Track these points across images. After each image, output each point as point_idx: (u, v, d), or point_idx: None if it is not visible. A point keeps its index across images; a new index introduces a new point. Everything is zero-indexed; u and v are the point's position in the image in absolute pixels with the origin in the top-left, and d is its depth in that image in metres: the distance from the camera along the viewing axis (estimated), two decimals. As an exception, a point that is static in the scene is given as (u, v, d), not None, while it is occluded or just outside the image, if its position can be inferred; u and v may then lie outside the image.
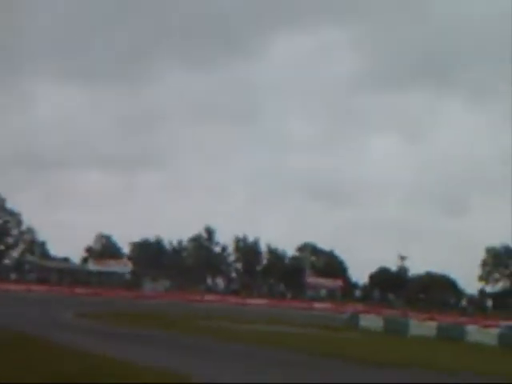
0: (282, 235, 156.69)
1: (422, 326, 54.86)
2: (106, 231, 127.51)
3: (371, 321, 58.27)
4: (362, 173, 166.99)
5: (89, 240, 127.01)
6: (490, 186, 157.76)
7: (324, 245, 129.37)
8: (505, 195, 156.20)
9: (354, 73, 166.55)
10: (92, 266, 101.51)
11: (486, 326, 56.85)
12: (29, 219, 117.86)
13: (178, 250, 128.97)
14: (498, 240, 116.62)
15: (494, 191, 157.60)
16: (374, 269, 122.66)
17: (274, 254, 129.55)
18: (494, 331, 51.75)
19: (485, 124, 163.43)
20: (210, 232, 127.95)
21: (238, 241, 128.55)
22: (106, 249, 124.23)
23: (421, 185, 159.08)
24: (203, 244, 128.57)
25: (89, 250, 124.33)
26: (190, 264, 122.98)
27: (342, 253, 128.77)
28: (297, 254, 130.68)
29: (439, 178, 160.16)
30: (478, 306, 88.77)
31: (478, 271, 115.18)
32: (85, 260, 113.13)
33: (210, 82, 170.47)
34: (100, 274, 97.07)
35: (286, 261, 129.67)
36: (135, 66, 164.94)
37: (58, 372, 17.75)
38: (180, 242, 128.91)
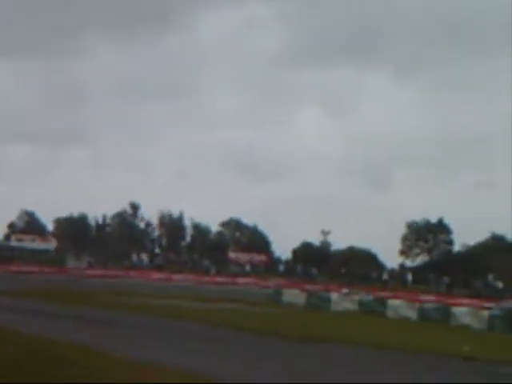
0: (206, 210, 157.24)
1: (344, 300, 55.66)
2: (30, 207, 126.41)
3: (294, 296, 58.94)
4: (288, 148, 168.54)
5: (12, 216, 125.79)
6: (413, 162, 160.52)
7: (248, 220, 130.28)
8: (428, 171, 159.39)
9: (280, 47, 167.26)
10: (15, 242, 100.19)
11: (408, 300, 57.84)
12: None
13: (102, 226, 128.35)
14: (420, 215, 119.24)
15: (418, 166, 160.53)
16: (297, 244, 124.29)
17: (198, 229, 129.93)
18: (415, 305, 52.81)
19: (410, 100, 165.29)
20: (134, 207, 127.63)
21: (162, 216, 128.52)
22: (29, 225, 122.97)
23: (346, 160, 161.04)
24: (127, 220, 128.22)
25: (11, 226, 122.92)
26: (114, 240, 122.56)
27: (265, 228, 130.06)
28: (221, 229, 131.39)
29: (364, 153, 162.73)
30: (398, 280, 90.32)
31: (399, 245, 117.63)
32: (7, 236, 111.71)
33: (136, 58, 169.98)
34: (23, 250, 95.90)
35: (211, 236, 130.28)
36: (61, 41, 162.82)
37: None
38: (104, 218, 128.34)
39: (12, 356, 17.60)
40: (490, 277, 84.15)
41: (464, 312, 48.66)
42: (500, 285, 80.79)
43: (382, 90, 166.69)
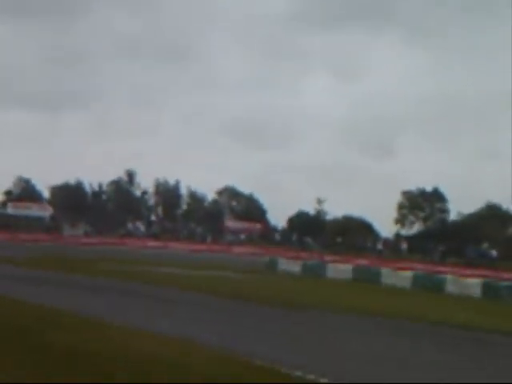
0: (203, 178, 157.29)
1: (339, 269, 56.04)
2: (26, 174, 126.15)
3: (290, 264, 59.38)
4: (290, 114, 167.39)
5: (8, 183, 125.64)
6: (415, 129, 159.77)
7: (245, 188, 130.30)
8: (429, 138, 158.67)
9: (287, 10, 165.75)
10: (11, 209, 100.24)
11: (400, 269, 58.26)
12: None
13: (98, 194, 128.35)
14: (418, 184, 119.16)
15: (420, 134, 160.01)
16: (293, 212, 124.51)
17: (194, 197, 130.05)
18: (408, 274, 53.17)
19: (417, 64, 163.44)
20: (130, 175, 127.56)
21: (158, 184, 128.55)
22: (25, 192, 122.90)
23: (347, 127, 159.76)
24: (123, 187, 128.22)
25: (8, 193, 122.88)
26: (110, 208, 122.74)
27: (261, 196, 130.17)
28: (217, 197, 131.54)
29: (366, 120, 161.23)
30: (393, 249, 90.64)
31: (394, 214, 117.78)
32: (3, 204, 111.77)
33: (137, 21, 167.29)
34: (19, 218, 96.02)
35: (206, 204, 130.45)
36: (60, 1, 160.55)
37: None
38: (100, 186, 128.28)
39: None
40: (485, 246, 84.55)
41: (459, 281, 49.26)
42: (494, 253, 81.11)
43: (391, 53, 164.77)
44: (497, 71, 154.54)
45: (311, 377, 13.70)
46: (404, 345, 21.50)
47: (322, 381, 13.42)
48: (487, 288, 46.23)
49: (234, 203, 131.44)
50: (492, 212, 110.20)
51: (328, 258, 72.14)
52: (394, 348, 20.36)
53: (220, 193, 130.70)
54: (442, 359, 18.93)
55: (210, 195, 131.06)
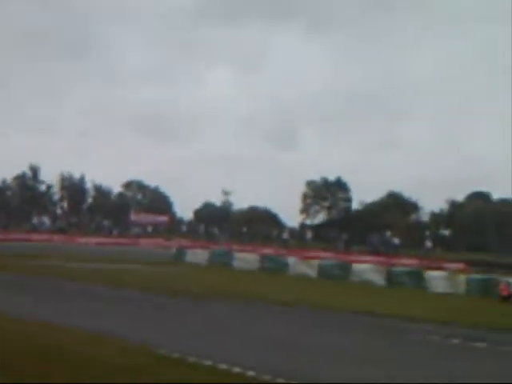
0: (108, 172, 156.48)
1: (246, 259, 56.74)
2: None
3: (197, 255, 59.87)
4: (195, 107, 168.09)
5: None
6: (318, 120, 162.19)
7: (151, 181, 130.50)
8: (332, 129, 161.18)
9: (191, 4, 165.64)
10: None
11: (306, 258, 59.23)
12: None
13: (2, 190, 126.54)
14: (322, 174, 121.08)
15: (323, 125, 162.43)
16: (199, 204, 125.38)
17: (99, 191, 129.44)
18: (314, 262, 54.10)
19: (318, 57, 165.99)
20: (34, 170, 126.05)
21: (63, 178, 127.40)
22: None
23: (252, 118, 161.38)
24: (28, 183, 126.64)
25: None
26: (15, 203, 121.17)
27: (167, 189, 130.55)
28: (123, 190, 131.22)
29: (271, 112, 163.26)
30: (298, 238, 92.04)
31: (299, 205, 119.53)
32: None
33: (42, 12, 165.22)
34: None
35: (112, 198, 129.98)
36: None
37: None
38: (4, 181, 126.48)
39: None
40: (388, 233, 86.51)
41: (364, 268, 50.38)
42: (396, 241, 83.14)
43: (292, 47, 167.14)
44: (395, 64, 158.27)
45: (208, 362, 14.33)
46: (302, 330, 22.39)
47: (221, 366, 14.04)
48: (389, 275, 47.58)
49: (140, 196, 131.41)
50: (393, 200, 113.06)
51: (235, 247, 72.80)
52: (293, 333, 21.22)
53: (126, 186, 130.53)
54: (339, 342, 19.96)
55: (116, 189, 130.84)
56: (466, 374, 15.50)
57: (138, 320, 21.68)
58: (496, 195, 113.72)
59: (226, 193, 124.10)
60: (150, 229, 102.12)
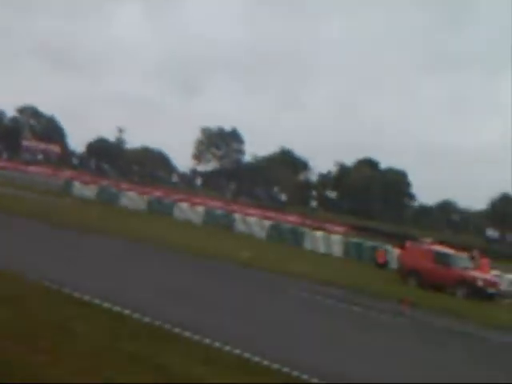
0: (3, 95, 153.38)
1: (134, 198, 56.97)
2: None
3: (85, 189, 59.76)
4: (104, 42, 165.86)
5: None
6: (226, 69, 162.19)
7: (47, 109, 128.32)
8: (238, 80, 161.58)
9: None
10: None
11: (193, 204, 59.73)
12: None
13: None
14: (219, 122, 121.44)
15: (229, 74, 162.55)
16: (92, 138, 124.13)
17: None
18: (201, 209, 54.75)
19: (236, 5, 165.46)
20: None
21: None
22: None
23: (159, 60, 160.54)
24: None
25: None
26: None
27: (63, 119, 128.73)
28: (17, 115, 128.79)
29: (180, 55, 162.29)
30: (188, 183, 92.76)
31: (192, 150, 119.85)
32: None
33: None
34: None
35: (5, 122, 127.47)
36: None
37: None
38: None
39: None
40: (275, 189, 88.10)
41: (247, 220, 51.38)
42: (283, 197, 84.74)
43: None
44: (307, 27, 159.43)
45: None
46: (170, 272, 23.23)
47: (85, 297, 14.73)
48: (271, 230, 48.72)
49: (33, 123, 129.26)
50: (285, 157, 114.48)
51: (124, 186, 72.85)
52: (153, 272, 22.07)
53: (20, 111, 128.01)
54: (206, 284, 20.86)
55: (10, 113, 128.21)
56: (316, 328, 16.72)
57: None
58: (384, 164, 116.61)
59: (120, 130, 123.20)
60: (40, 157, 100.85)
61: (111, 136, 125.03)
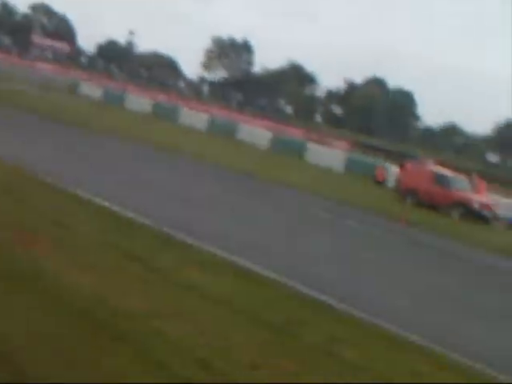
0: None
1: (139, 102, 56.98)
2: None
3: (92, 89, 59.82)
4: None
5: None
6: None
7: (59, 8, 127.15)
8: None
9: None
10: None
11: (199, 111, 59.52)
12: None
13: None
14: (230, 32, 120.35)
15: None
16: (104, 40, 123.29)
17: (5, 8, 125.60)
18: (205, 116, 54.75)
19: None
20: None
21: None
22: None
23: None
24: None
25: None
26: None
27: (75, 19, 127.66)
28: (29, 12, 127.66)
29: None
30: (195, 91, 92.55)
31: (202, 58, 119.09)
32: None
33: None
34: None
35: (17, 18, 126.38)
36: None
37: None
38: None
39: None
40: (282, 101, 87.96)
41: (251, 131, 51.55)
42: (289, 110, 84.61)
43: None
44: None
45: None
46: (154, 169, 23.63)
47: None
48: (276, 141, 48.93)
49: (45, 21, 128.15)
50: (294, 71, 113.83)
51: (130, 88, 72.72)
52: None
53: (33, 8, 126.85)
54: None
55: (23, 9, 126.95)
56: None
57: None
58: (392, 84, 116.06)
59: (131, 33, 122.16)
60: (49, 54, 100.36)
61: (122, 39, 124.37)
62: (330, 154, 46.39)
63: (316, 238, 17.11)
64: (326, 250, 15.60)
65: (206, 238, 12.14)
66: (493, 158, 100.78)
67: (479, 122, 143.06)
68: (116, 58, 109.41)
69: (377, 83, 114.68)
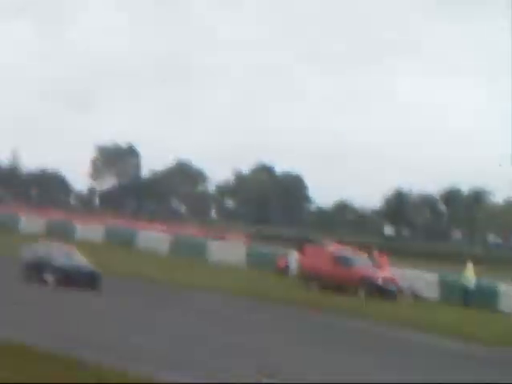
0: None
1: (33, 222, 55.92)
2: None
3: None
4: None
5: None
6: (117, 83, 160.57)
7: None
8: (129, 93, 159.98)
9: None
10: None
11: (92, 223, 58.92)
12: None
13: None
14: (116, 138, 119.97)
15: (121, 88, 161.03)
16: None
17: None
18: (101, 228, 54.19)
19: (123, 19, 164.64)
20: None
21: None
22: None
23: (47, 79, 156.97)
24: None
25: None
26: None
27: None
28: None
29: (68, 73, 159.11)
30: (86, 203, 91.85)
31: (88, 169, 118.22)
32: None
33: None
34: None
35: None
36: None
37: None
38: None
39: None
40: (175, 202, 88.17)
41: (150, 236, 51.33)
42: (183, 209, 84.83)
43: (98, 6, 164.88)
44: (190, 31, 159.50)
45: None
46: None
47: None
48: (173, 244, 48.77)
49: None
50: (182, 169, 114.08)
51: (22, 211, 71.53)
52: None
53: None
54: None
55: None
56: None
57: None
58: (279, 168, 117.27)
59: (15, 153, 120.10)
60: None
61: (5, 160, 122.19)
62: (230, 250, 46.37)
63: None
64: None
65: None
66: (388, 230, 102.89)
67: (368, 196, 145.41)
68: (1, 180, 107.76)
69: (264, 170, 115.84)
